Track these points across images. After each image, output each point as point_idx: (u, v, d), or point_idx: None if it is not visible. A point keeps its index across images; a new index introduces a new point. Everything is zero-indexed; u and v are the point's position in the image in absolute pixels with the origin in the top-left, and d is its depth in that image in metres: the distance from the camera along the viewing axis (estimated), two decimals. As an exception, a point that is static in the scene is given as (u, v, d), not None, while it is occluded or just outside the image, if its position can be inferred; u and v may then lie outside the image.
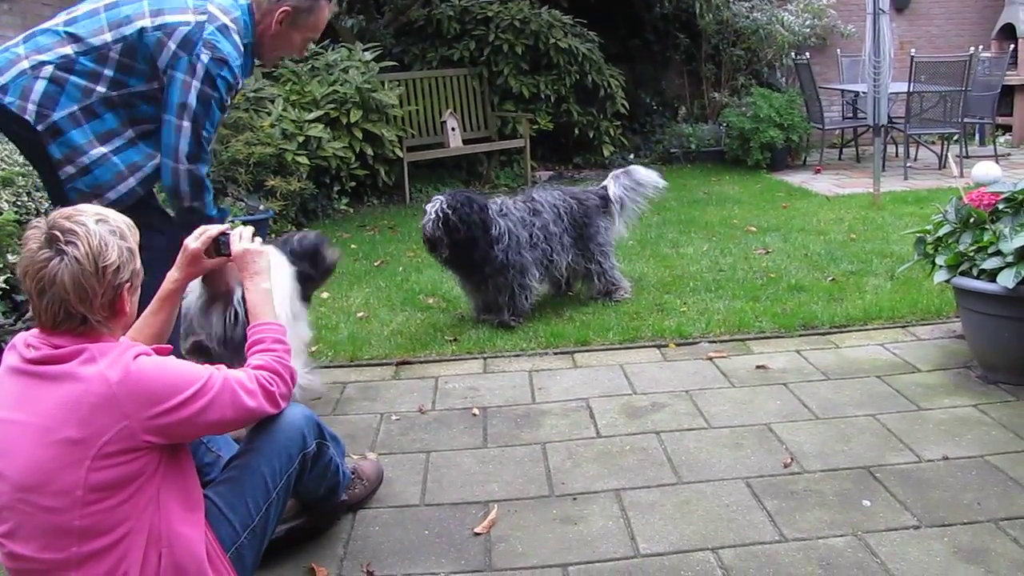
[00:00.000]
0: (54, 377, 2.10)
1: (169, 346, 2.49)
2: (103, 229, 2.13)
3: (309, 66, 8.97)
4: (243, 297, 2.74)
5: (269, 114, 8.01)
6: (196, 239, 2.76)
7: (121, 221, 2.21)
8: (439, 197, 4.83)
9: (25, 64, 3.11)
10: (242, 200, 7.10)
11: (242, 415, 2.34)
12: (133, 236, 2.22)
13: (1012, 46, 11.87)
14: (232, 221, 6.37)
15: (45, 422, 2.08)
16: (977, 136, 12.00)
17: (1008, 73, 11.17)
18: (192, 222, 3.25)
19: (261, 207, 7.13)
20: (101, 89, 3.15)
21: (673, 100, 12.42)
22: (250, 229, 2.84)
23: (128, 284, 2.18)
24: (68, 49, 3.13)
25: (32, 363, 2.12)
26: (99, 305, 2.12)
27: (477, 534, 2.92)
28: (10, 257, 4.17)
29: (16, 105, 3.08)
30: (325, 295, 5.76)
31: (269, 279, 2.76)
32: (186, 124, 3.16)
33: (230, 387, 2.28)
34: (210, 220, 3.25)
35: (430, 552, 2.84)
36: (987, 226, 3.96)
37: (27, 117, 3.09)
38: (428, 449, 3.55)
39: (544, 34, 10.33)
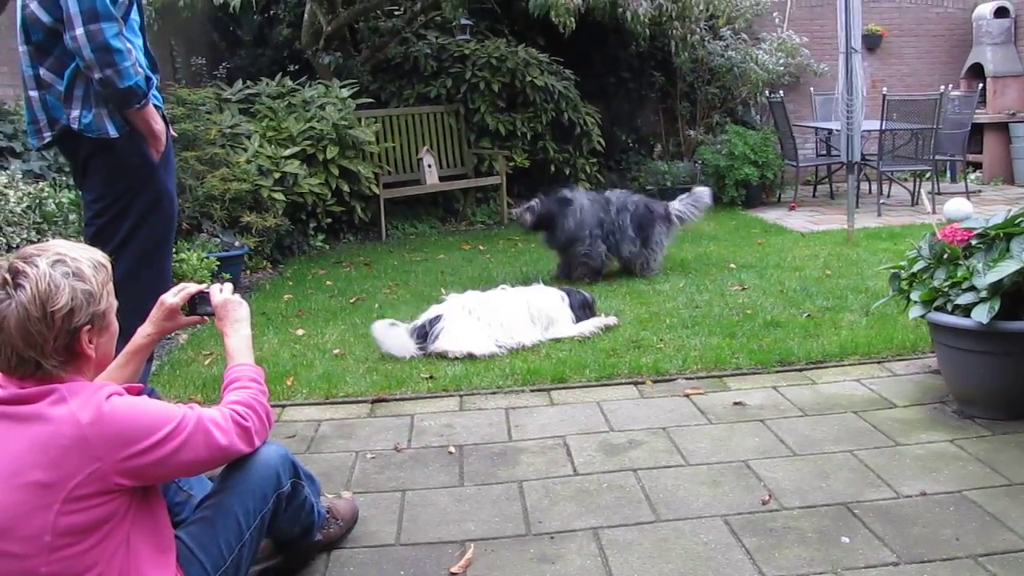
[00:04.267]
0: (22, 418, 2.04)
1: (141, 385, 2.45)
2: (57, 271, 2.07)
3: (286, 102, 8.98)
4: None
5: (245, 150, 8.00)
6: (175, 295, 2.73)
7: (85, 260, 2.14)
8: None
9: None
10: (217, 236, 7.08)
11: (215, 455, 2.29)
12: (98, 275, 2.15)
13: (980, 85, 12.07)
14: (207, 257, 6.38)
15: (12, 465, 2.02)
16: (948, 173, 12.16)
17: (977, 111, 11.35)
18: (115, 98, 3.30)
19: (236, 243, 7.11)
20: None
21: (649, 137, 12.51)
22: (229, 285, 2.82)
23: (87, 327, 2.11)
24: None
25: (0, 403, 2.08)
26: (51, 350, 2.06)
27: (453, 574, 2.88)
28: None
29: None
30: (300, 332, 5.72)
31: (248, 326, 2.74)
32: None
33: (203, 426, 2.24)
34: (132, 92, 3.30)
35: (406, 593, 2.79)
36: (960, 262, 3.98)
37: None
38: (404, 488, 3.52)
39: (520, 72, 10.39)
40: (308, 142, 8.50)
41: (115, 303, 2.24)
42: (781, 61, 11.88)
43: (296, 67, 10.47)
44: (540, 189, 7.79)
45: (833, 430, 3.94)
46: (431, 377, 4.78)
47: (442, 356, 5.09)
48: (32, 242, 4.66)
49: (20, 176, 5.49)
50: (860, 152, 8.56)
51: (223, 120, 8.26)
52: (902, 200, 10.83)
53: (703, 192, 7.51)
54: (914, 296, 4.08)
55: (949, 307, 3.91)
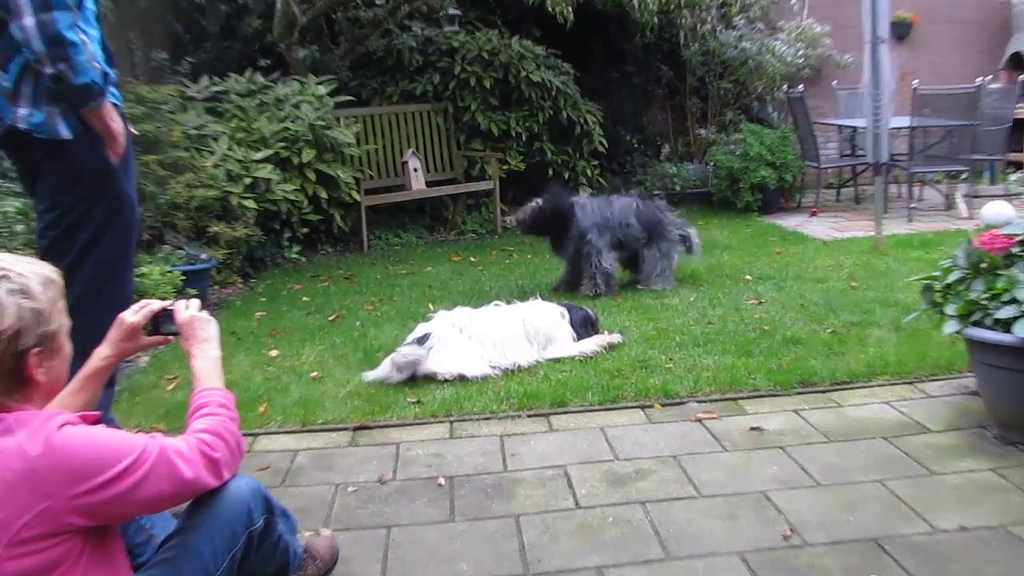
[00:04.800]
0: (-36, 452, 2.03)
1: (98, 413, 2.44)
2: (1, 288, 2.06)
3: (257, 101, 8.99)
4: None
5: (212, 153, 8.00)
6: (135, 313, 2.72)
7: (32, 275, 2.14)
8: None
9: None
10: (182, 248, 7.07)
11: (180, 489, 2.28)
12: (48, 292, 2.15)
13: (1021, 77, 12.07)
14: (171, 271, 6.37)
15: (-48, 504, 2.01)
16: (987, 174, 12.16)
17: (1019, 106, 11.33)
18: (68, 95, 3.29)
19: (203, 256, 7.10)
20: None
21: (655, 137, 12.53)
22: (196, 302, 2.82)
23: (36, 349, 2.11)
24: None
25: (-61, 435, 2.06)
26: None
27: (444, 620, 2.88)
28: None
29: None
30: (274, 353, 5.72)
31: (217, 346, 2.73)
32: None
33: (167, 458, 2.23)
34: (87, 89, 3.29)
35: (391, 641, 2.79)
36: (1001, 271, 3.98)
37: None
38: (389, 524, 3.51)
39: (515, 66, 10.41)
40: (282, 144, 8.50)
41: (67, 323, 2.23)
42: (800, 52, 11.90)
43: (268, 62, 10.47)
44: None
45: (861, 458, 3.94)
46: (418, 402, 4.77)
47: (430, 378, 5.08)
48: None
49: (-38, 183, 5.48)
50: (888, 152, 8.58)
51: (188, 120, 8.26)
52: (935, 204, 10.85)
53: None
54: (949, 310, 4.08)
55: (988, 321, 3.91)
